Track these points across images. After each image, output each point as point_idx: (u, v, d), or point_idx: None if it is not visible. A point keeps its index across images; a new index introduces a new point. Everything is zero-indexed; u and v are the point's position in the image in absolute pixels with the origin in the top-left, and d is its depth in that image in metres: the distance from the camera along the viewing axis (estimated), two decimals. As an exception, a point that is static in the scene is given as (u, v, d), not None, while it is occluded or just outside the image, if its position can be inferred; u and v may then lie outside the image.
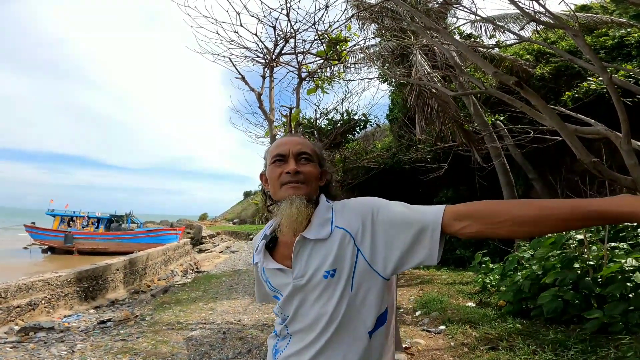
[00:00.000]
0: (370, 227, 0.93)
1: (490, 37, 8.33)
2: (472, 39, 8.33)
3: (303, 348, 0.94)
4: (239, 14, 4.01)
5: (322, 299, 0.93)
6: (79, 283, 7.83)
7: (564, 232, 4.21)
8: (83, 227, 21.20)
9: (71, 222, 21.29)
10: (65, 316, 6.92)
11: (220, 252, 18.59)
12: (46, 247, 20.54)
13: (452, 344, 3.71)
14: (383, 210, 0.94)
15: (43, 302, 6.79)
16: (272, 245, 1.04)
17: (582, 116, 4.59)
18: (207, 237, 23.53)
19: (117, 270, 9.44)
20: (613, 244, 3.69)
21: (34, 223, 21.12)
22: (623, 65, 6.04)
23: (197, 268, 14.13)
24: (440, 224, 0.88)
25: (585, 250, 3.74)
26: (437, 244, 0.87)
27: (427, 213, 0.91)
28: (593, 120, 4.25)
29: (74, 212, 21.81)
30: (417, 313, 5.01)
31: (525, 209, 0.81)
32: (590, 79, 6.13)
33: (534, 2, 2.58)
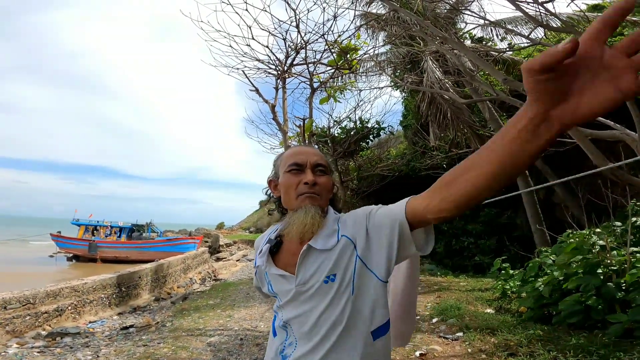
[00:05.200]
0: (365, 231, 0.97)
1: (502, 40, 8.23)
2: (484, 43, 8.27)
3: (309, 352, 0.95)
4: (250, 28, 4.15)
5: (323, 304, 0.95)
6: (103, 290, 8.08)
7: (585, 238, 4.11)
8: (106, 236, 21.81)
9: (95, 231, 21.94)
10: (90, 322, 7.14)
11: (237, 261, 18.76)
12: (71, 255, 21.20)
13: (469, 350, 3.66)
14: (373, 214, 0.98)
15: (69, 308, 7.02)
16: (275, 250, 1.07)
17: (601, 118, 4.48)
18: (224, 246, 23.77)
19: (140, 277, 9.69)
20: (634, 249, 3.59)
21: (59, 232, 21.87)
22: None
23: (214, 276, 14.32)
24: (404, 214, 0.89)
25: (608, 255, 3.65)
26: (409, 236, 0.89)
27: (395, 208, 0.93)
28: (612, 122, 4.15)
29: (98, 222, 22.48)
30: (434, 320, 4.95)
31: (473, 156, 0.71)
32: None
33: (540, 7, 2.59)
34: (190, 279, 13.03)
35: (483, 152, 0.67)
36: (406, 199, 0.91)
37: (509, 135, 0.59)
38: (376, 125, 7.82)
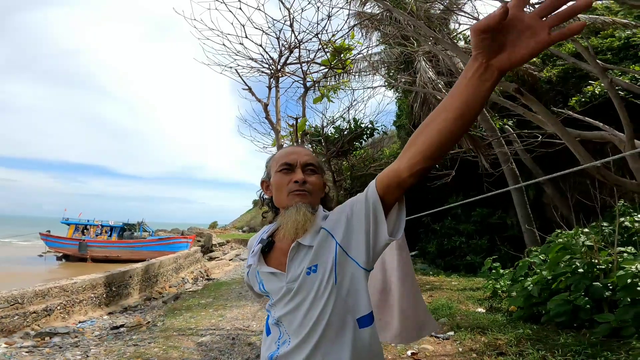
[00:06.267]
0: (345, 219, 0.99)
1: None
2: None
3: (298, 346, 0.96)
4: (243, 26, 4.13)
5: (310, 297, 0.96)
6: (93, 289, 7.99)
7: (573, 238, 4.17)
8: (97, 236, 21.55)
9: (85, 231, 21.67)
10: (80, 322, 7.06)
11: (230, 260, 18.67)
12: (61, 254, 20.94)
13: (460, 349, 3.69)
14: (355, 201, 1.00)
15: (58, 308, 6.93)
16: (267, 250, 1.09)
17: (590, 119, 4.55)
18: (217, 245, 23.65)
19: (130, 277, 9.59)
20: (621, 249, 3.64)
21: (49, 231, 21.56)
22: (630, 67, 5.96)
23: (207, 275, 14.24)
24: (375, 190, 0.92)
25: (595, 255, 3.70)
26: (382, 214, 0.92)
27: (367, 189, 0.96)
28: (601, 124, 4.22)
29: (88, 221, 22.21)
30: (426, 319, 4.99)
31: (433, 112, 0.82)
32: (592, 82, 6.06)
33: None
34: (182, 278, 12.93)
35: (441, 105, 0.79)
36: (374, 179, 0.95)
37: (462, 85, 0.74)
38: (369, 125, 7.83)
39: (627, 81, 4.50)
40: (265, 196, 1.18)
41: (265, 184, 1.16)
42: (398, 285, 1.51)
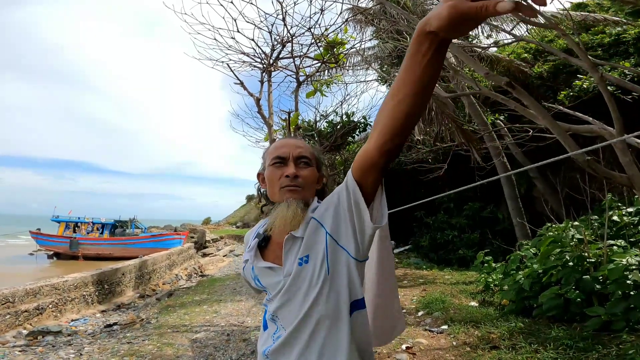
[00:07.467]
0: (333, 208, 0.97)
1: (487, 37, 8.33)
2: (469, 40, 8.35)
3: (291, 336, 0.95)
4: (235, 20, 4.07)
5: (304, 288, 0.95)
6: (85, 287, 7.92)
7: (563, 232, 4.22)
8: (88, 233, 21.33)
9: (76, 228, 21.44)
10: (72, 320, 7.00)
11: (224, 256, 18.62)
12: (52, 252, 20.71)
13: (454, 343, 3.73)
14: (340, 190, 0.99)
15: (50, 306, 6.87)
16: (264, 244, 1.07)
17: (580, 114, 4.60)
18: (211, 241, 23.54)
19: (123, 274, 9.53)
20: (610, 242, 3.69)
21: (39, 229, 21.31)
22: (621, 63, 6.02)
23: (201, 272, 14.19)
24: (352, 176, 0.92)
25: (585, 248, 3.75)
26: (362, 200, 0.90)
27: (346, 178, 0.96)
28: (591, 118, 4.26)
29: (79, 218, 21.98)
30: (420, 313, 5.03)
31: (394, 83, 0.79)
32: (581, 76, 6.12)
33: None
34: (176, 275, 12.88)
35: (395, 84, 0.76)
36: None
37: (416, 58, 0.69)
38: (362, 120, 7.82)
39: (617, 77, 4.55)
40: (262, 189, 1.17)
41: (261, 176, 1.16)
42: (375, 282, 1.45)
